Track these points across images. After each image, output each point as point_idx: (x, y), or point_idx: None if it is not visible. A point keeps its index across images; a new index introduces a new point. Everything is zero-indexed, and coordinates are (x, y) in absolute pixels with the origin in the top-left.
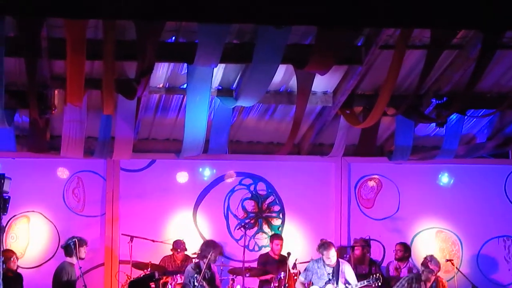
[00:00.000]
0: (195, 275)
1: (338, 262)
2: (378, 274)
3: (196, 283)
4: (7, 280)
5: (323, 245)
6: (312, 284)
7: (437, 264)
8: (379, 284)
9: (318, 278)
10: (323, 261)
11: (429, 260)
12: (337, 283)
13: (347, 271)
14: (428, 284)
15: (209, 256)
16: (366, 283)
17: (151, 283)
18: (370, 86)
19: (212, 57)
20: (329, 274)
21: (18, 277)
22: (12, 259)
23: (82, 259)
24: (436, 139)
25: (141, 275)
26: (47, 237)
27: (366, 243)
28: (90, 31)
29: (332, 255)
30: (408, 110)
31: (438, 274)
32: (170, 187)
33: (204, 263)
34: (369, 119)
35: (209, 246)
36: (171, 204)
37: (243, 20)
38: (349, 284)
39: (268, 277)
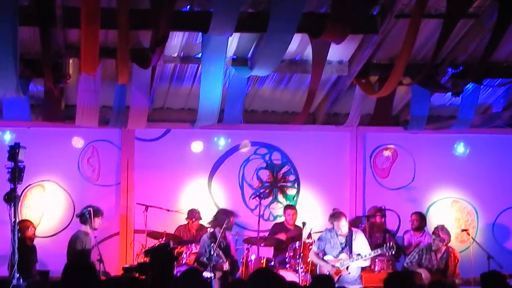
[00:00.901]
0: (211, 244)
1: (350, 231)
2: (392, 243)
3: (212, 252)
4: (25, 249)
5: (334, 215)
6: (325, 254)
7: (448, 233)
8: (393, 252)
9: (331, 247)
10: (335, 231)
11: (440, 229)
12: (350, 252)
13: (359, 240)
14: (439, 255)
15: (224, 224)
16: (380, 252)
17: (169, 251)
18: (386, 55)
19: (227, 26)
20: (341, 243)
21: (33, 248)
22: (29, 228)
23: (95, 229)
24: (452, 108)
25: (156, 244)
26: (62, 207)
27: (381, 213)
28: (104, 0)
29: (342, 225)
30: (424, 80)
31: (450, 244)
32: (185, 157)
33: (219, 232)
34: (384, 88)
35: (224, 214)
36: (186, 174)
37: None
38: (359, 255)
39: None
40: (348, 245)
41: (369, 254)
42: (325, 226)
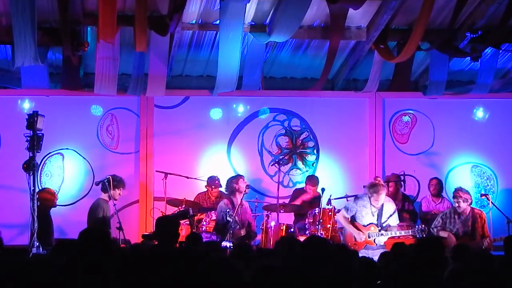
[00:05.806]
0: (227, 210)
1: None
2: (423, 226)
3: (228, 218)
4: (47, 218)
5: (374, 187)
6: (355, 221)
7: (468, 193)
8: (424, 235)
9: (363, 216)
10: (370, 201)
11: (459, 190)
12: (380, 226)
13: (389, 210)
14: (463, 217)
15: (234, 188)
16: (410, 233)
17: (181, 220)
18: (404, 20)
19: None
20: (373, 213)
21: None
22: (54, 197)
23: (115, 200)
24: (471, 73)
25: (175, 212)
26: (81, 175)
27: (398, 179)
28: None
29: (381, 199)
30: (443, 45)
31: (472, 206)
32: (204, 124)
33: (235, 198)
34: (403, 53)
35: (232, 179)
36: (205, 141)
37: None
38: (386, 230)
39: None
40: (378, 216)
41: (397, 233)
42: (345, 192)
